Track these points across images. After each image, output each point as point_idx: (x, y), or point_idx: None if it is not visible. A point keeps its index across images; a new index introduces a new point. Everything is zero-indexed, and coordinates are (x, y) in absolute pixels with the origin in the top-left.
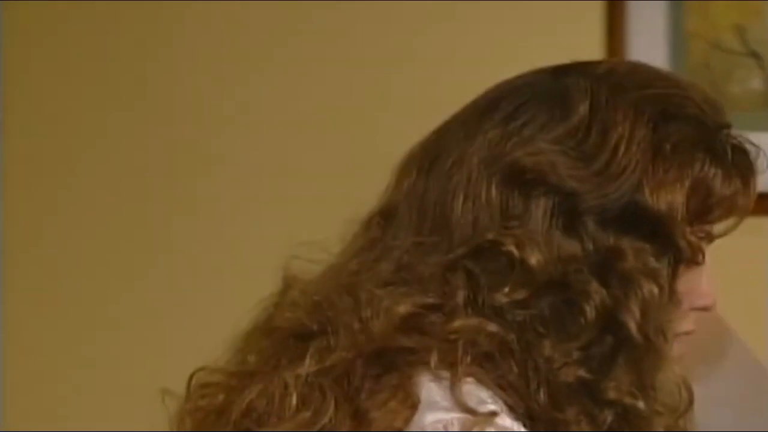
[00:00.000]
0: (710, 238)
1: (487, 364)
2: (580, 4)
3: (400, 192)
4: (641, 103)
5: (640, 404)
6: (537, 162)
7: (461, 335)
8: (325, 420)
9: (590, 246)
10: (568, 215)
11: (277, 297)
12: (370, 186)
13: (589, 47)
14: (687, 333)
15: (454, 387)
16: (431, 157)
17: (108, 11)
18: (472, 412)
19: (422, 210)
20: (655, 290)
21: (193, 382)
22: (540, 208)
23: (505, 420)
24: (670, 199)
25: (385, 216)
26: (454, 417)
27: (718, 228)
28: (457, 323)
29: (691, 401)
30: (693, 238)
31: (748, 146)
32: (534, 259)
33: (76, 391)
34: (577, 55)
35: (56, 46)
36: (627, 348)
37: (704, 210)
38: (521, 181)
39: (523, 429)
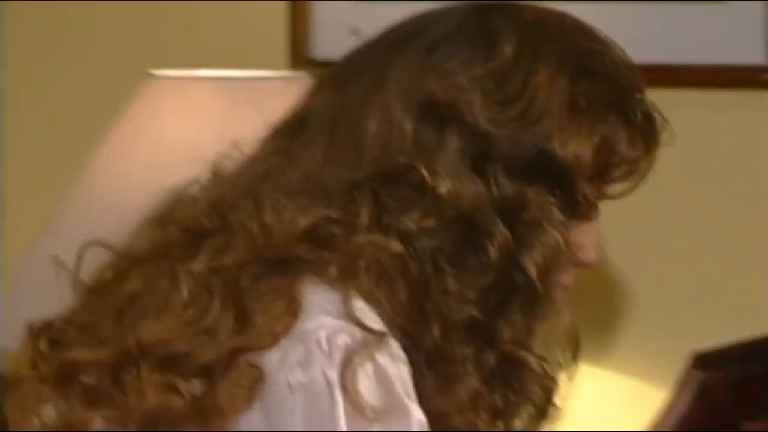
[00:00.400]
0: (604, 197)
1: (384, 284)
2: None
3: (314, 103)
4: (565, 55)
5: (527, 352)
6: (455, 99)
7: (363, 251)
8: (210, 320)
9: (496, 190)
10: (479, 157)
11: (181, 191)
12: None
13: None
14: (566, 287)
15: (347, 299)
16: (350, 74)
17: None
18: (363, 327)
19: (335, 125)
20: (560, 240)
21: (84, 255)
22: (453, 144)
23: (392, 343)
24: (578, 152)
25: (296, 125)
26: (344, 325)
27: (612, 188)
28: (361, 239)
29: (578, 353)
30: (590, 194)
31: (656, 115)
32: (444, 189)
33: None
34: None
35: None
36: (524, 294)
37: (606, 169)
38: (437, 115)
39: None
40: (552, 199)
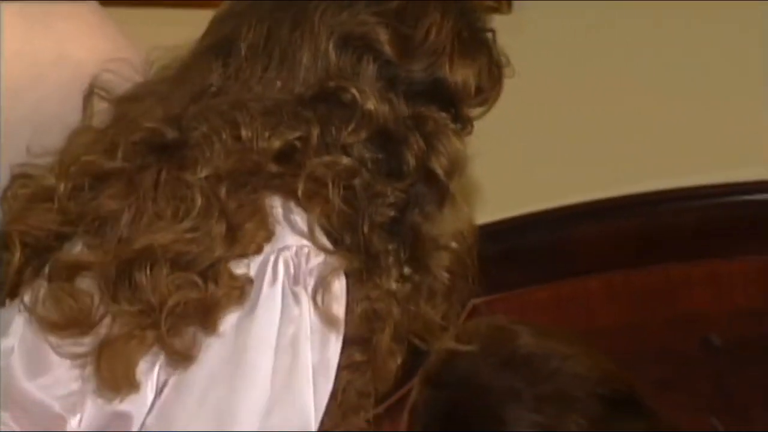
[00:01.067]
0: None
1: (335, 196)
2: None
3: (237, 31)
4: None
5: (440, 241)
6: (366, 32)
7: (322, 169)
8: (206, 229)
9: (405, 109)
10: (388, 80)
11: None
12: None
13: None
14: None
15: (312, 219)
16: (273, 10)
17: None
18: (326, 249)
19: (269, 55)
20: (460, 146)
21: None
22: (368, 70)
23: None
24: (464, 78)
25: (222, 50)
26: (310, 246)
27: (475, 111)
28: (318, 159)
29: (474, 237)
30: (469, 113)
31: (503, 55)
32: (372, 105)
33: None
34: None
35: None
36: (436, 191)
37: (478, 92)
38: (353, 45)
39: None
40: (446, 115)
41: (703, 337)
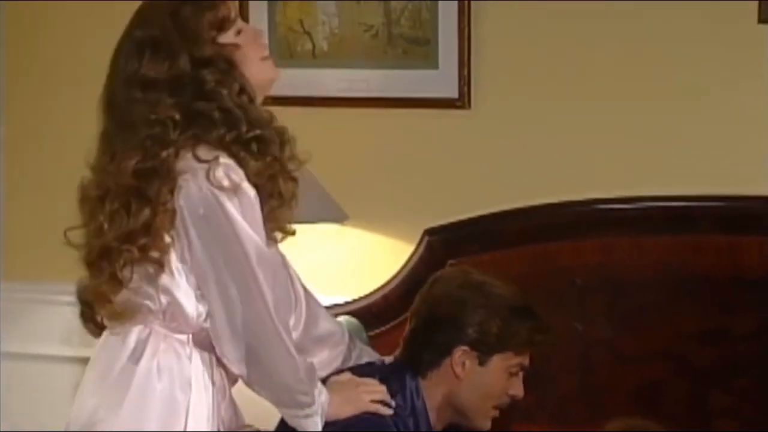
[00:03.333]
0: None
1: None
2: None
3: (110, 91)
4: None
5: (265, 131)
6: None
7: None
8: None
9: (207, 77)
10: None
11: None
12: None
13: None
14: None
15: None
16: (111, 66)
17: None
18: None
19: (113, 104)
20: (237, 86)
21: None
22: (175, 71)
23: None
24: (214, 52)
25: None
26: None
27: None
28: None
29: (287, 136)
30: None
31: None
32: (211, 79)
33: None
34: None
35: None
36: (238, 113)
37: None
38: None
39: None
40: (220, 75)
41: (571, 280)
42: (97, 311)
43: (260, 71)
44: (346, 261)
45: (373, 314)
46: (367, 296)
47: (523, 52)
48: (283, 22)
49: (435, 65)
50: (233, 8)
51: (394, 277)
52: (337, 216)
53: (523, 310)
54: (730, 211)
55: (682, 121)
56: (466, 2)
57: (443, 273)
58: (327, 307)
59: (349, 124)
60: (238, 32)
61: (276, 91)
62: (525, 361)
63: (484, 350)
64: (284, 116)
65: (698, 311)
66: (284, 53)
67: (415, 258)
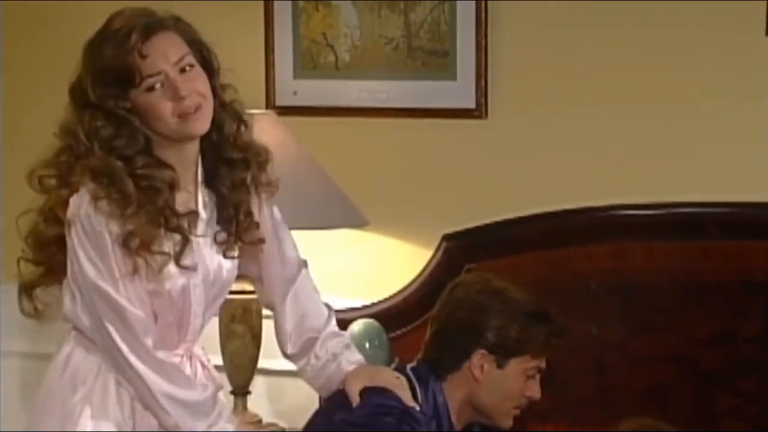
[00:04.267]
0: None
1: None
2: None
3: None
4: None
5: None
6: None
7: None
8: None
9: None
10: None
11: None
12: None
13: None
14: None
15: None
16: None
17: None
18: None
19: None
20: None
21: None
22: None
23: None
24: (99, 100)
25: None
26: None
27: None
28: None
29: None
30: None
31: None
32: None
33: None
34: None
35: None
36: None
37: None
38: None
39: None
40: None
41: (585, 284)
42: None
43: (168, 127)
44: (366, 265)
45: (392, 317)
46: (386, 299)
47: (539, 64)
48: (307, 35)
49: (453, 77)
50: (158, 65)
51: (413, 281)
52: (358, 221)
53: (540, 315)
54: (737, 218)
55: (692, 131)
56: (484, 16)
57: (463, 279)
58: (348, 310)
59: (370, 133)
60: (151, 89)
61: (300, 101)
62: (542, 364)
63: (502, 354)
64: (308, 125)
65: (707, 315)
66: (308, 65)
67: (434, 263)
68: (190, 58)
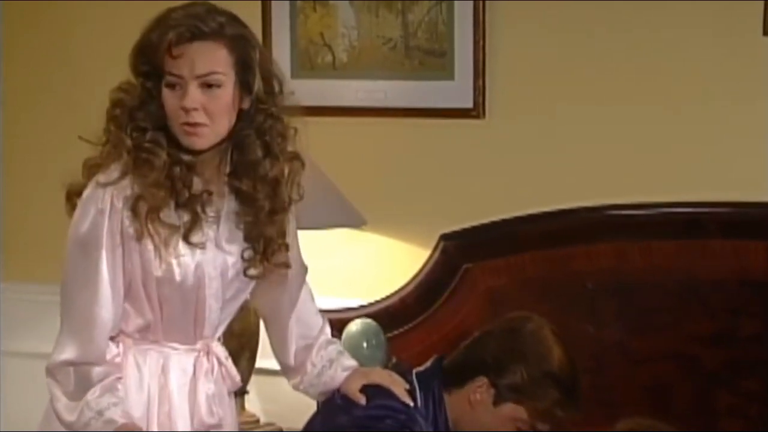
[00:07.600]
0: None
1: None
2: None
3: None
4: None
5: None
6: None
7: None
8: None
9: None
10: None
11: None
12: None
13: None
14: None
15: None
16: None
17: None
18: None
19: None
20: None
21: None
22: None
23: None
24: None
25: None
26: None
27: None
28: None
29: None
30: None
31: None
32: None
33: None
34: None
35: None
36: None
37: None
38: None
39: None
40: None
41: (583, 283)
42: None
43: (173, 128)
44: (364, 265)
45: (390, 316)
46: (384, 299)
47: (536, 64)
48: (305, 35)
49: (451, 76)
50: (181, 69)
51: (411, 280)
52: (356, 221)
53: (559, 381)
54: (736, 217)
55: (691, 131)
56: (481, 15)
57: (530, 316)
58: (345, 310)
59: (368, 133)
60: (170, 86)
61: (298, 101)
62: (540, 426)
63: (501, 391)
64: (306, 125)
65: (706, 314)
66: (305, 65)
67: (431, 262)
68: (220, 78)
